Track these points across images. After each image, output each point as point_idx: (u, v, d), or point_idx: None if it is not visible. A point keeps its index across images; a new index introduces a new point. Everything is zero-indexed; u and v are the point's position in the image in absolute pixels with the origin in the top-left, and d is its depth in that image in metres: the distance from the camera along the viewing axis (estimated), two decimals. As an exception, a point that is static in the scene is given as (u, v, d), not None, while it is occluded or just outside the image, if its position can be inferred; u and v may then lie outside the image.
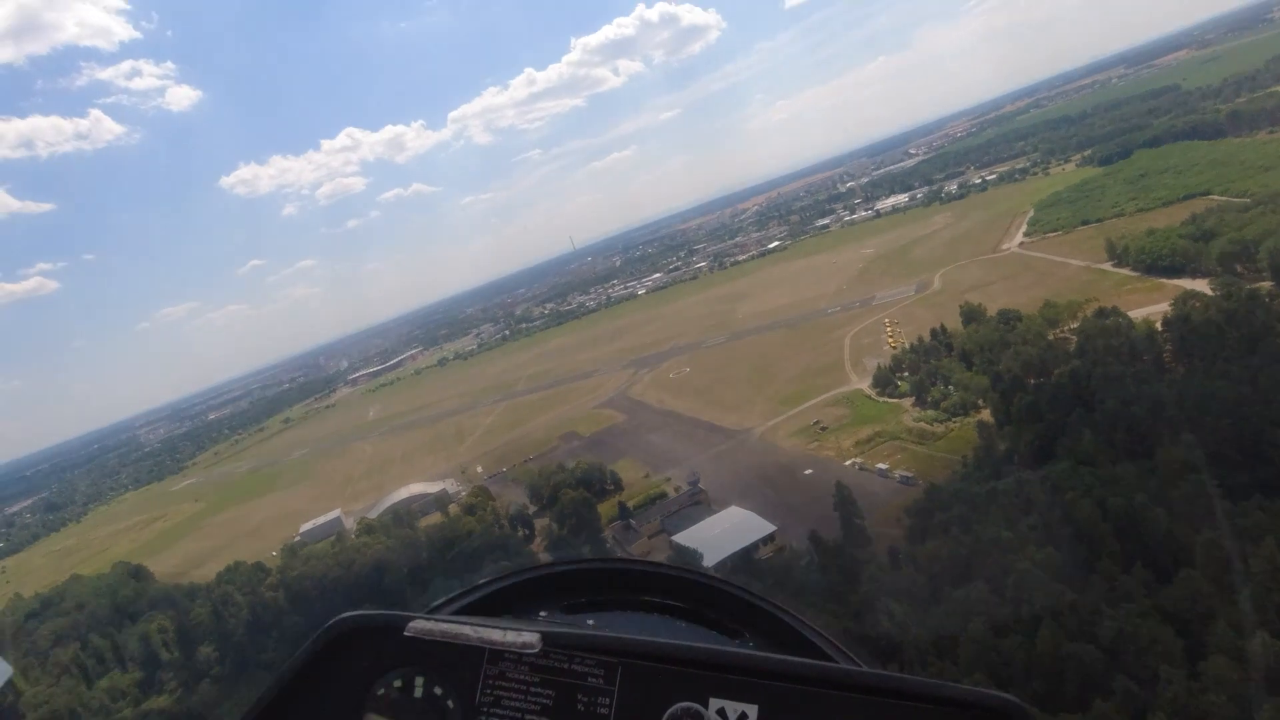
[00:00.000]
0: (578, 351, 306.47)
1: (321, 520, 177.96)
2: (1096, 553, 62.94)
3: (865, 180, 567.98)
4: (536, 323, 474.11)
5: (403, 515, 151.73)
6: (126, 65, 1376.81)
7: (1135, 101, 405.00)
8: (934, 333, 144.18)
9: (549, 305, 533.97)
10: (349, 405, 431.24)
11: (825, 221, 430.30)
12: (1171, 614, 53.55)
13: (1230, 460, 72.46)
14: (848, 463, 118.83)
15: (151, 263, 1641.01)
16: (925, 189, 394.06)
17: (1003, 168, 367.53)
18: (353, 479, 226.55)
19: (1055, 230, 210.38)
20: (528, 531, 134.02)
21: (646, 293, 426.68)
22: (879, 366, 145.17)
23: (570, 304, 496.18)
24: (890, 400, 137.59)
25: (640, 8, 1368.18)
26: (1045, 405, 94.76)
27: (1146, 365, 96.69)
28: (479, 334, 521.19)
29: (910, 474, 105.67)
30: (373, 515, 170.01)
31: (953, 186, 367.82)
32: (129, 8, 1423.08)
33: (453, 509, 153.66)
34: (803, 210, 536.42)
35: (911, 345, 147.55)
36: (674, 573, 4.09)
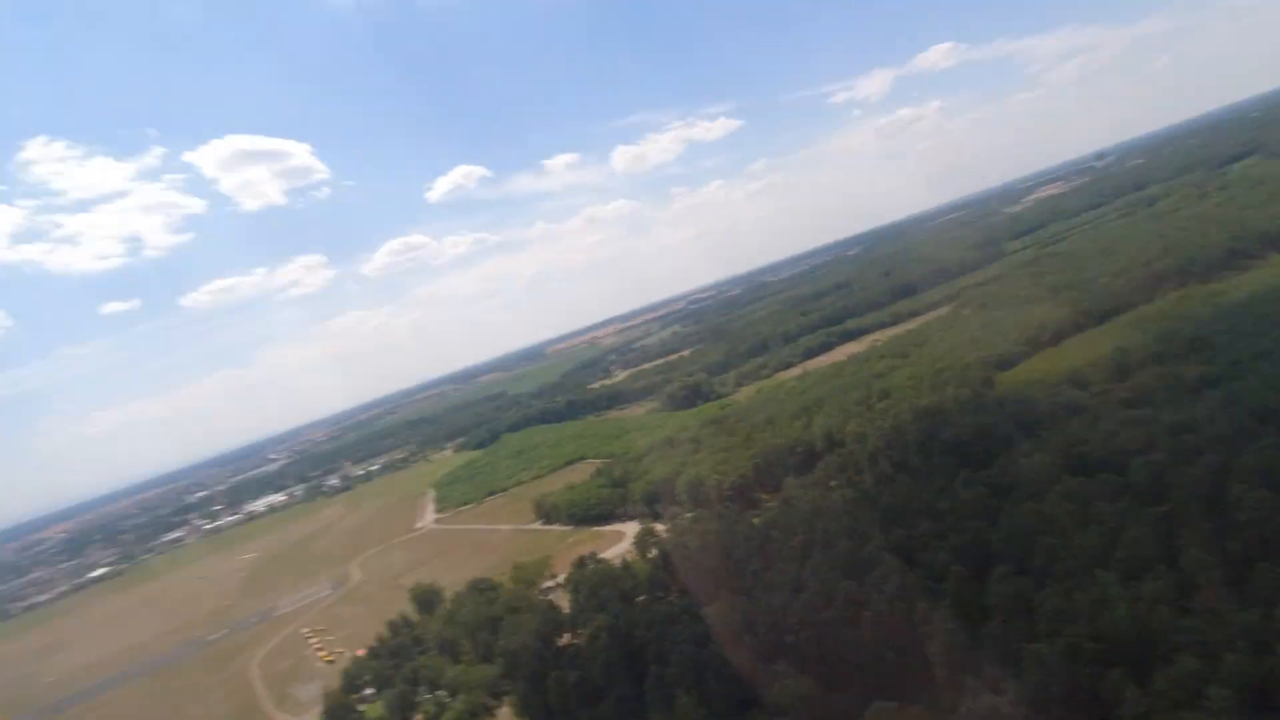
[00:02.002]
0: None
1: None
2: None
3: (223, 488, 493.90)
4: None
5: None
6: None
7: (480, 404, 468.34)
8: (393, 627, 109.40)
9: None
10: None
11: (177, 534, 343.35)
12: None
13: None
14: None
15: None
16: (303, 486, 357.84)
17: (381, 460, 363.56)
18: None
19: (466, 504, 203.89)
20: None
21: None
22: (326, 693, 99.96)
23: None
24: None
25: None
26: (599, 674, 71.87)
27: (674, 601, 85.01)
28: None
29: None
30: None
31: (334, 480, 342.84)
32: None
33: None
34: (139, 528, 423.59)
35: (366, 651, 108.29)
36: None
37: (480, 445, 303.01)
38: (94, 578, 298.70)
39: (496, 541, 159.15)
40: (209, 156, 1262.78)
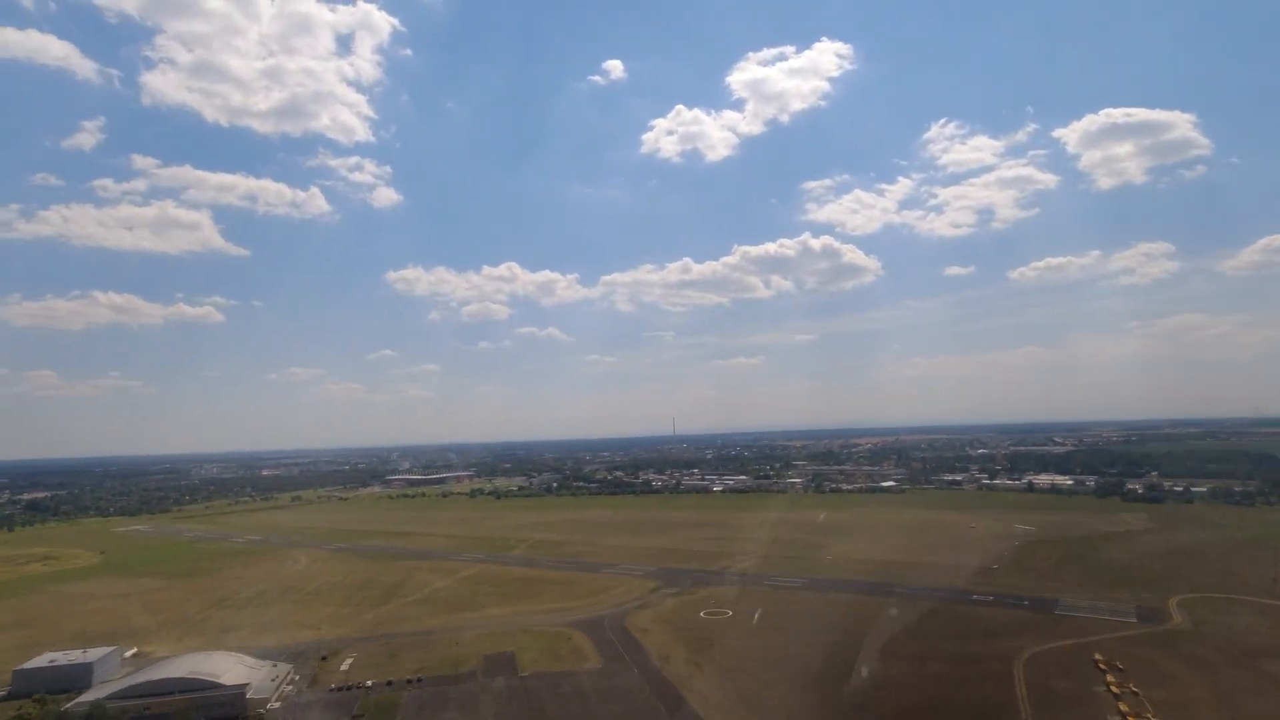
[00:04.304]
0: (608, 532, 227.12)
1: (77, 658, 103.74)
2: None
3: (1004, 452, 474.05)
4: (592, 485, 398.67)
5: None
6: (353, 160, 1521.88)
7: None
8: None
9: (616, 472, 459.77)
10: (357, 505, 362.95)
11: (956, 478, 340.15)
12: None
13: None
14: None
15: (302, 324, 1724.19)
16: (1093, 478, 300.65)
17: (1206, 485, 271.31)
18: (225, 599, 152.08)
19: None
20: None
21: (723, 491, 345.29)
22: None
23: (636, 478, 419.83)
24: None
25: (806, 235, 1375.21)
26: None
27: None
28: (532, 478, 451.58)
29: None
30: (143, 677, 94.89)
31: (1136, 486, 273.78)
32: (375, 117, 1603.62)
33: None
34: (924, 460, 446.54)
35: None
36: None
37: None
38: (883, 487, 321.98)
39: None
40: (1076, 132, 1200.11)
